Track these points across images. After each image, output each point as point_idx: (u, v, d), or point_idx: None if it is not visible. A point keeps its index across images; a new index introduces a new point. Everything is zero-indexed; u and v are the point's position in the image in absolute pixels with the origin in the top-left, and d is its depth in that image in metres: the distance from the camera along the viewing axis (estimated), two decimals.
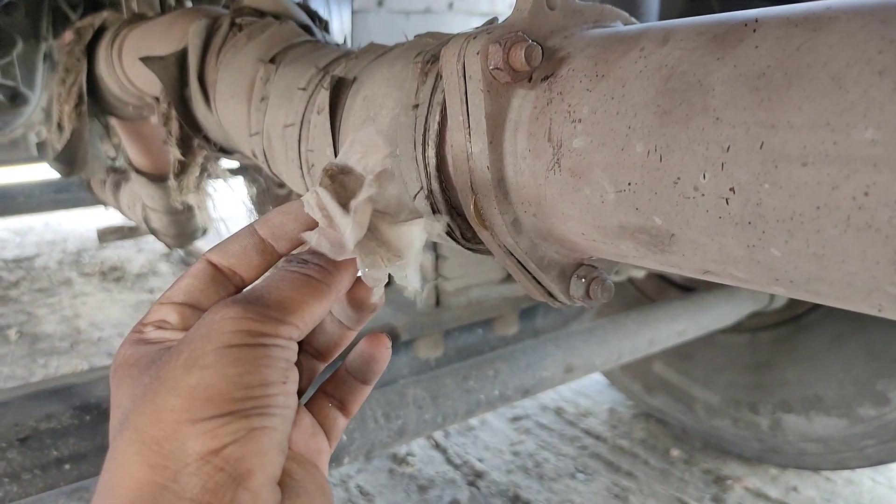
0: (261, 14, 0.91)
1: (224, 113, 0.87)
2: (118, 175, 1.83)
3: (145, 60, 0.89)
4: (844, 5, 0.33)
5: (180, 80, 0.90)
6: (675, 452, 1.82)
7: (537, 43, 0.45)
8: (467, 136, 0.48)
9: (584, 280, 0.52)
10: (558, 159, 0.44)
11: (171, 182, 0.93)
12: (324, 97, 0.68)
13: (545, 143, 0.45)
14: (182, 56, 0.90)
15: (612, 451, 1.83)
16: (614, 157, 0.41)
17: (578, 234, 0.46)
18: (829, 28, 0.32)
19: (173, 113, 0.92)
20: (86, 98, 1.17)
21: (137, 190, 1.52)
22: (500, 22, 0.49)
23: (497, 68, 0.45)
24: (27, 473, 0.78)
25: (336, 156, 0.66)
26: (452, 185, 0.54)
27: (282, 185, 1.24)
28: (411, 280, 0.42)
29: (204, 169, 0.92)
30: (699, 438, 1.86)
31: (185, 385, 0.33)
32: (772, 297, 1.52)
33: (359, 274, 0.43)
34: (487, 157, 0.47)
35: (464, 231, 0.55)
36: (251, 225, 0.44)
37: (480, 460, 1.76)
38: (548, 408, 2.04)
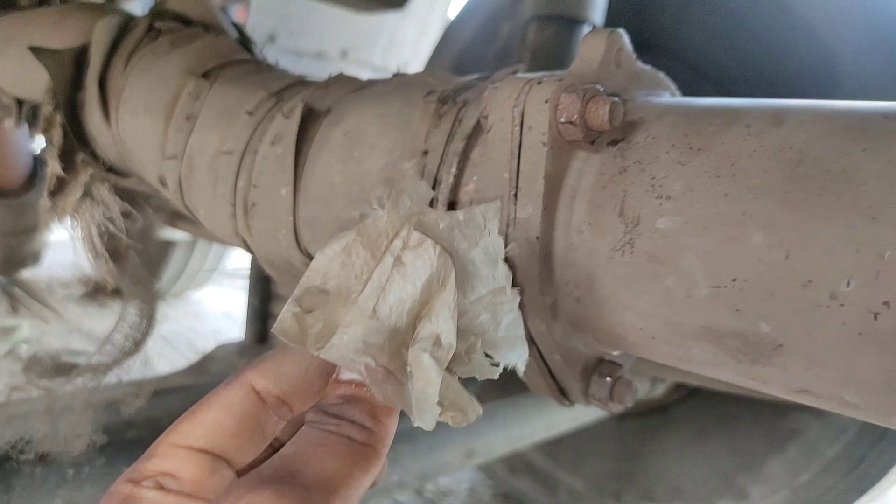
0: (185, 22, 0.78)
1: (129, 127, 0.72)
2: None
3: (36, 51, 0.73)
4: None
5: (74, 81, 0.74)
6: None
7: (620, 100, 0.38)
8: (511, 197, 0.40)
9: (608, 379, 0.44)
10: (631, 239, 0.37)
11: (45, 202, 0.76)
12: (284, 127, 0.57)
13: (614, 217, 0.38)
14: (81, 53, 0.74)
15: None
16: (718, 245, 0.34)
17: (634, 329, 0.39)
18: None
19: (58, 119, 0.75)
20: None
21: None
22: (555, 72, 0.42)
23: (569, 122, 0.38)
24: None
25: (295, 195, 0.55)
26: None
27: (175, 223, 1.07)
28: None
29: (87, 191, 0.76)
30: None
31: None
32: (653, 384, 1.54)
33: None
34: (539, 225, 0.39)
35: None
36: None
37: None
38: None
